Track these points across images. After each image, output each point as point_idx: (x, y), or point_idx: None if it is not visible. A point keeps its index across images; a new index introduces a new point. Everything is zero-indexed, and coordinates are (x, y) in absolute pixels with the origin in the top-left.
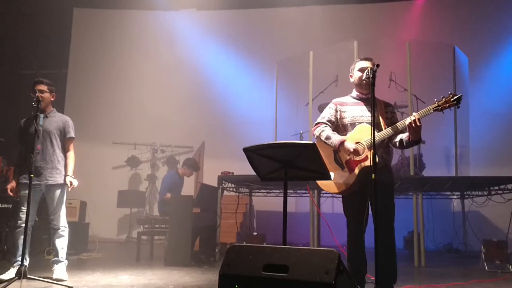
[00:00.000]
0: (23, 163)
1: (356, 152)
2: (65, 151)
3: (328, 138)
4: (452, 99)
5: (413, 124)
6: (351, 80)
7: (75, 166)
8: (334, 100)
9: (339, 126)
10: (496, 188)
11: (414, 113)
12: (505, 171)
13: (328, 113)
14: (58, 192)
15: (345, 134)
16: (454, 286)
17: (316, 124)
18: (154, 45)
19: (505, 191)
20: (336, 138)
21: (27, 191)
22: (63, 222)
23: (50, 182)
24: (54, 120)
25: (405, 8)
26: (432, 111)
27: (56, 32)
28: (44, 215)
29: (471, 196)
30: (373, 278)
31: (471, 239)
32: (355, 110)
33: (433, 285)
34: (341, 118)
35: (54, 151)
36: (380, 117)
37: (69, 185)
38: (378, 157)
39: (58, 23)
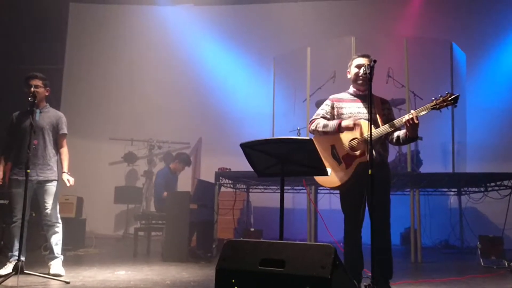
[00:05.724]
0: (14, 158)
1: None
2: (57, 147)
3: (325, 126)
4: (449, 98)
5: (411, 122)
6: (349, 76)
7: (69, 162)
8: (331, 97)
9: None
10: (493, 184)
11: (412, 111)
12: (501, 167)
13: (323, 110)
14: (49, 188)
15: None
16: (450, 281)
17: (311, 121)
18: (150, 41)
19: (501, 188)
20: (333, 121)
21: (18, 189)
22: (56, 218)
23: (41, 178)
24: (47, 115)
25: (402, 4)
26: (430, 109)
27: (52, 27)
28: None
29: (467, 193)
30: (369, 273)
31: (468, 235)
32: (352, 107)
33: (429, 281)
34: (339, 114)
35: (46, 147)
36: (377, 114)
37: (66, 183)
38: (375, 153)
39: (54, 18)
